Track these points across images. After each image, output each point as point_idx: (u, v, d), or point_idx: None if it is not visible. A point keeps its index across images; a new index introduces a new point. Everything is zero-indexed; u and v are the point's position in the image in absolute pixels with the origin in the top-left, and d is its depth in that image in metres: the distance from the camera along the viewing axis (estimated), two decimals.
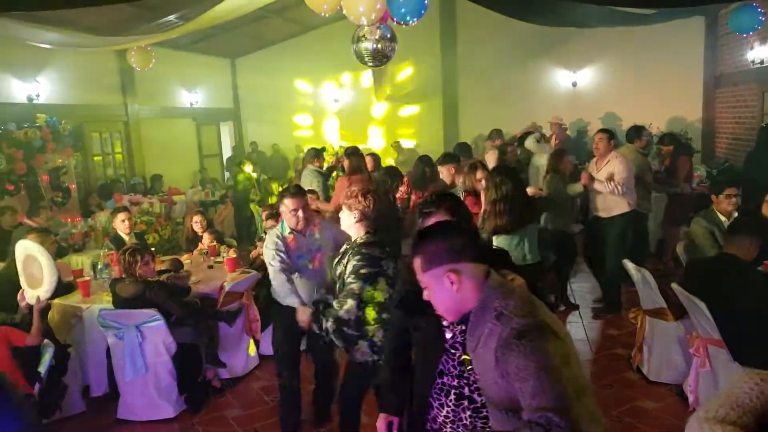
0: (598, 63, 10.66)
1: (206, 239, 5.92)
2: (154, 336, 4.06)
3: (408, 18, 4.89)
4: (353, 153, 6.49)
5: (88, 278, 4.85)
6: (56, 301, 4.61)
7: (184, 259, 5.61)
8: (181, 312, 4.22)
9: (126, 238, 5.61)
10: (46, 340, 3.73)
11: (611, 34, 9.50)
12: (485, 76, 11.09)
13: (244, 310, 4.84)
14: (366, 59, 5.48)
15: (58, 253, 5.69)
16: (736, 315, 3.31)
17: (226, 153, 13.82)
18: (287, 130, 13.26)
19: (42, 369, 3.58)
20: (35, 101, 8.45)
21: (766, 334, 3.12)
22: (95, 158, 10.13)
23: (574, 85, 10.86)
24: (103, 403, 4.40)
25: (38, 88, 8.59)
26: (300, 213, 3.53)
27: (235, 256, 5.28)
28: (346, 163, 6.46)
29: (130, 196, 8.77)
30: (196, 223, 6.17)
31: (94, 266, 5.31)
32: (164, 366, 4.14)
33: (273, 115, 13.24)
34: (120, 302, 4.13)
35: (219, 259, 5.52)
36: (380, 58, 5.44)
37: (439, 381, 1.85)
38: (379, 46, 5.27)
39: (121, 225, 5.66)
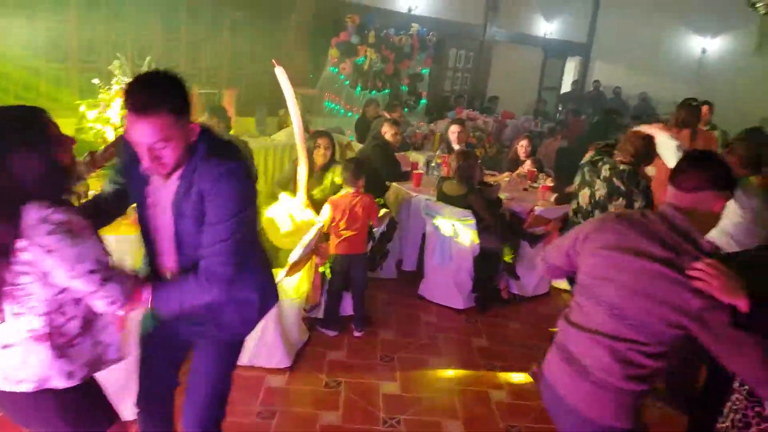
0: None
1: (528, 164, 6.12)
2: (463, 234, 4.51)
3: None
4: (683, 106, 5.74)
5: (421, 172, 5.57)
6: (394, 184, 5.47)
7: (505, 176, 5.96)
8: (492, 221, 4.57)
9: (456, 147, 6.15)
10: (383, 210, 4.49)
11: None
12: None
13: (547, 237, 4.99)
14: (758, 4, 4.76)
15: (401, 147, 6.60)
16: None
17: (565, 88, 13.61)
18: (635, 75, 12.33)
19: (376, 231, 4.35)
20: (413, 12, 9.52)
21: None
22: (448, 71, 11.09)
23: None
24: (409, 278, 5.13)
25: (418, 0, 9.60)
26: None
27: (551, 185, 5.38)
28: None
29: (468, 112, 9.45)
30: (522, 147, 6.38)
31: (427, 163, 6.05)
32: (465, 263, 4.59)
33: (626, 55, 12.38)
34: (443, 198, 4.66)
35: (535, 184, 5.72)
36: None
37: None
38: None
39: (452, 135, 6.20)
